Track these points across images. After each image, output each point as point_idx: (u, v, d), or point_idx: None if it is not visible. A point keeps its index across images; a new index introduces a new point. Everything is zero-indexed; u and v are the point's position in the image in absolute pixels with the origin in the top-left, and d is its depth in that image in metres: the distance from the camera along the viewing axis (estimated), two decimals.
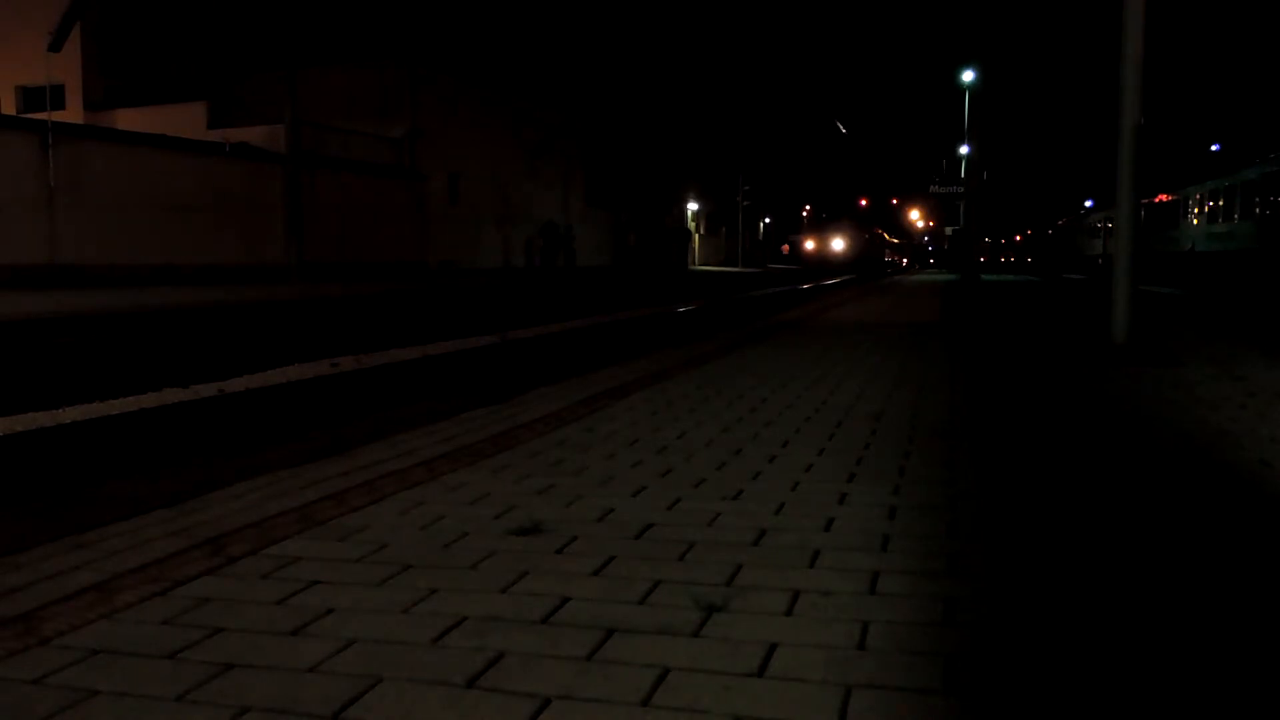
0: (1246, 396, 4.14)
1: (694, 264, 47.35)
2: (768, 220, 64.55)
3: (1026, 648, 1.48)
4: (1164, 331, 7.92)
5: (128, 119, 24.41)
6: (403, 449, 3.02)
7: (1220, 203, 24.66)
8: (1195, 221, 26.92)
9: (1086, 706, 1.29)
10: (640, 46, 38.40)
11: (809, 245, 58.60)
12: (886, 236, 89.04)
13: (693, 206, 48.38)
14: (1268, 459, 2.84)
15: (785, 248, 64.86)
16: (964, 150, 34.89)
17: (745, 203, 52.83)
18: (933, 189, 33.27)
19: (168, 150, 19.51)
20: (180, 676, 1.40)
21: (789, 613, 1.63)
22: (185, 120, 23.61)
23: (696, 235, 49.67)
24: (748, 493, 2.45)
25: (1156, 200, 29.87)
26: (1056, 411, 3.84)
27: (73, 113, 24.09)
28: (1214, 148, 46.98)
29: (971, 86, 33.54)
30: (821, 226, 59.83)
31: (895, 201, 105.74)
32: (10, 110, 23.90)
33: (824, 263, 54.08)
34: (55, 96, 22.69)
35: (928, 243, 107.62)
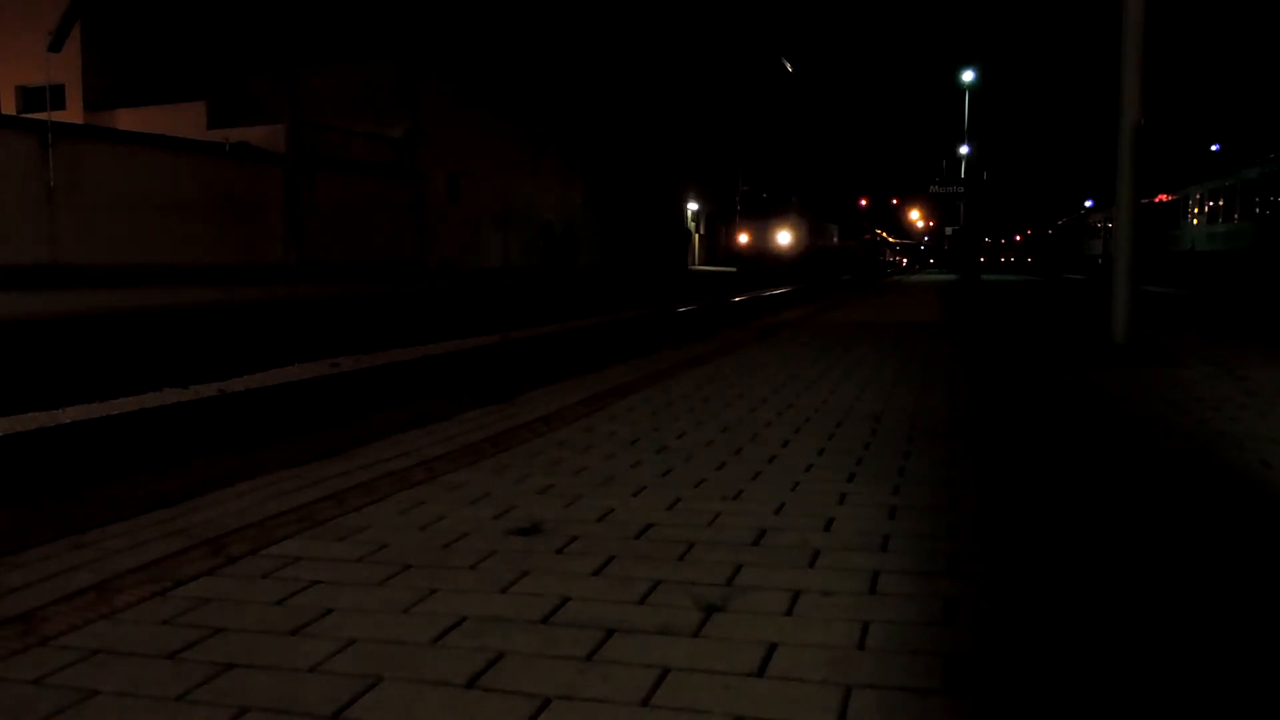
0: (1247, 396, 4.14)
1: (693, 264, 47.28)
2: None
3: (1026, 648, 1.48)
4: (1164, 331, 7.92)
5: (128, 119, 24.39)
6: (403, 449, 3.01)
7: (1220, 203, 24.67)
8: (1195, 221, 26.92)
9: (1086, 706, 1.29)
10: (640, 47, 38.36)
11: (742, 239, 40.09)
12: (884, 235, 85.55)
13: (693, 206, 48.33)
14: (1268, 459, 2.84)
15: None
16: (964, 150, 34.93)
17: None
18: (933, 189, 33.30)
19: (168, 150, 19.49)
20: (180, 676, 1.40)
21: (789, 613, 1.63)
22: (185, 120, 23.59)
23: (696, 235, 49.59)
24: (748, 493, 2.45)
25: (1156, 200, 29.87)
26: (1057, 411, 3.84)
27: (73, 113, 24.05)
28: (1214, 148, 47.00)
29: (971, 86, 33.56)
30: (759, 214, 40.04)
31: (895, 201, 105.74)
32: (10, 110, 23.88)
33: (764, 263, 38.00)
34: (55, 96, 22.66)
35: (928, 242, 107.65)
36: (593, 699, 1.32)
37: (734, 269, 38.45)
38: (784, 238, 39.00)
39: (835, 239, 48.85)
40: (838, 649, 1.48)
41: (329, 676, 1.40)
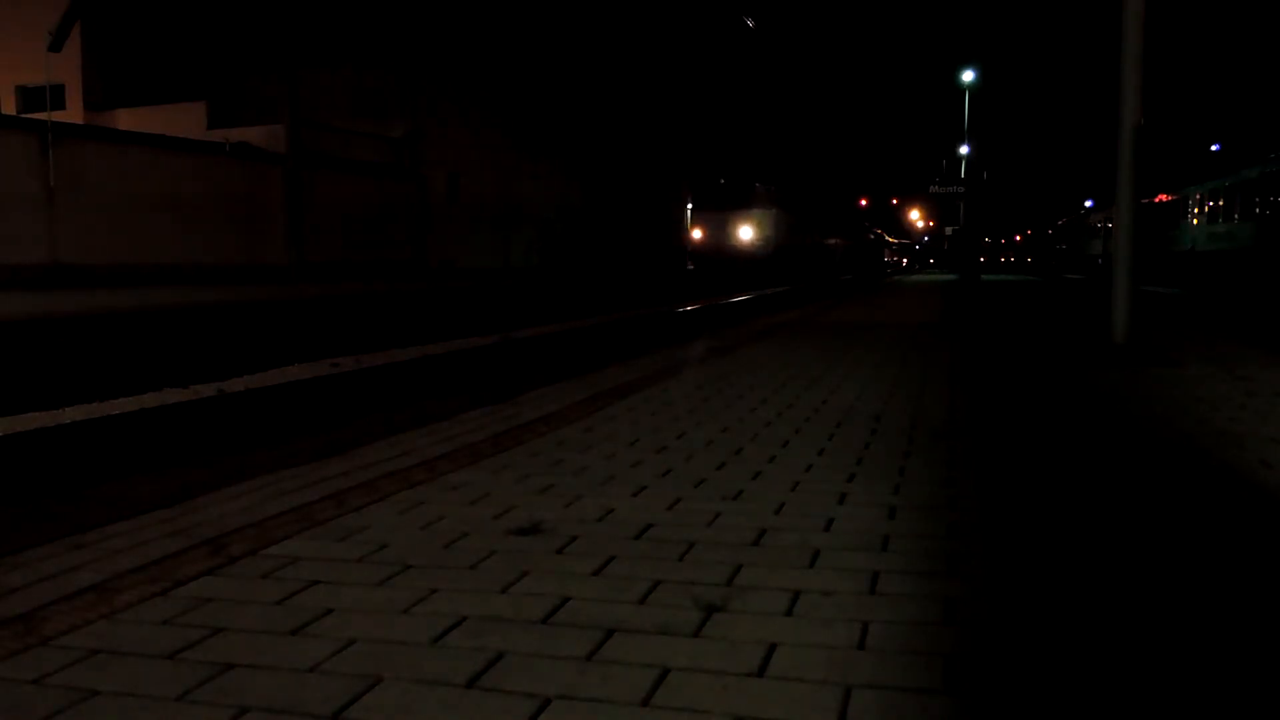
0: (1247, 396, 4.14)
1: (693, 264, 47.19)
2: None
3: (1026, 648, 1.48)
4: (1164, 331, 7.92)
5: (128, 119, 24.37)
6: (403, 449, 3.01)
7: (1220, 203, 24.67)
8: (1195, 221, 26.92)
9: (1086, 706, 1.29)
10: (641, 47, 38.35)
11: (695, 235, 33.53)
12: (884, 235, 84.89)
13: (693, 207, 48.26)
14: (1268, 459, 2.84)
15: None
16: (964, 150, 34.90)
17: None
18: (933, 189, 33.26)
19: (168, 150, 19.48)
20: (180, 676, 1.40)
21: (789, 613, 1.63)
22: (185, 120, 23.56)
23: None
24: (748, 493, 2.45)
25: (1156, 200, 29.86)
26: (1056, 412, 3.84)
27: (73, 113, 24.02)
28: (1214, 148, 46.95)
29: (971, 86, 33.56)
30: (716, 205, 33.03)
31: (895, 201, 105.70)
32: (10, 110, 23.87)
33: (722, 263, 31.47)
34: (55, 96, 22.65)
35: (928, 242, 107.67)
36: (593, 699, 1.32)
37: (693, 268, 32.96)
38: (745, 233, 32.77)
39: (819, 236, 42.45)
40: (838, 649, 1.48)
41: (329, 676, 1.40)
